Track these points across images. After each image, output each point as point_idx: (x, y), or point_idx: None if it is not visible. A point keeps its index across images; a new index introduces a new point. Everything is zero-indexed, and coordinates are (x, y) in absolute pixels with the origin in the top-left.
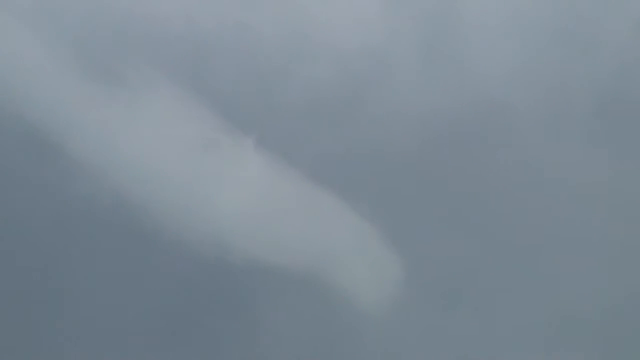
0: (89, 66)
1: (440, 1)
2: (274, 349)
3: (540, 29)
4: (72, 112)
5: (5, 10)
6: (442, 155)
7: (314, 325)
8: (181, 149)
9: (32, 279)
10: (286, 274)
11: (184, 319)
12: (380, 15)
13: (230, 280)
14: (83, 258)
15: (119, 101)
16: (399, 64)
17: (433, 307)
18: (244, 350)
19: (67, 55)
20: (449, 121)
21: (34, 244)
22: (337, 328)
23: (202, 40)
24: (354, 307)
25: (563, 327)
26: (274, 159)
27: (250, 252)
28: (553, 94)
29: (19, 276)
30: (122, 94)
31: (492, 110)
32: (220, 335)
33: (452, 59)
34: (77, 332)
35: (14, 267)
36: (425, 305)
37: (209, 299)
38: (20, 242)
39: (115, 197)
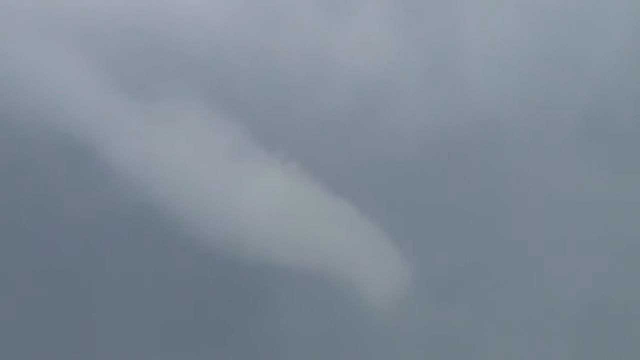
0: (127, 84)
1: (440, 31)
2: (290, 341)
3: (531, 55)
4: (110, 125)
5: (51, 33)
6: (443, 165)
7: (327, 319)
8: (209, 159)
9: (69, 273)
10: (302, 273)
11: (207, 313)
12: (389, 43)
13: (249, 278)
14: (118, 257)
15: (154, 115)
16: (404, 85)
17: (436, 302)
18: (263, 342)
19: (108, 75)
20: (448, 136)
21: (75, 242)
22: (349, 322)
23: (229, 63)
24: (364, 303)
25: (558, 320)
26: (293, 169)
27: (269, 253)
28: (542, 112)
29: (58, 270)
30: (156, 109)
31: (487, 127)
32: (240, 327)
33: (451, 82)
34: (106, 323)
35: (57, 260)
36: (429, 300)
37: (230, 295)
38: (63, 238)
39: (146, 201)
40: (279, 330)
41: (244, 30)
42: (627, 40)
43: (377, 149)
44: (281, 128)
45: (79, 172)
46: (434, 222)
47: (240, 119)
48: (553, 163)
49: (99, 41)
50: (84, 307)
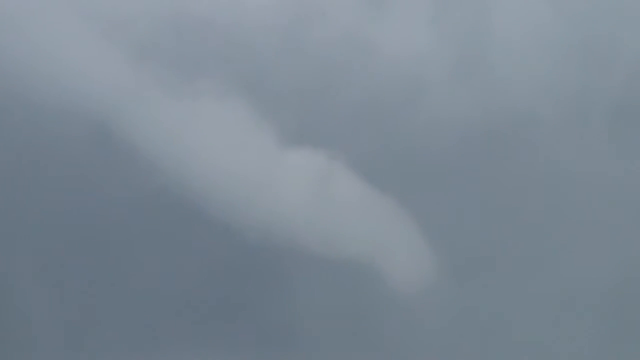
0: (157, 69)
1: (472, 23)
2: (324, 325)
3: (562, 45)
4: (137, 109)
5: (81, 19)
6: (474, 156)
7: (359, 304)
8: (247, 150)
9: (110, 260)
10: (330, 259)
11: (236, 296)
12: (422, 36)
13: (282, 265)
14: (146, 237)
15: (190, 108)
16: (438, 77)
17: (461, 287)
18: (292, 325)
19: (138, 60)
20: (480, 127)
21: (115, 229)
22: (379, 306)
23: (263, 50)
24: (390, 288)
25: (582, 303)
26: (324, 157)
27: (299, 239)
28: (573, 102)
29: (99, 257)
30: (192, 102)
31: (519, 117)
32: (276, 312)
33: (484, 74)
34: (146, 306)
35: (84, 239)
36: (454, 285)
37: (269, 282)
38: (106, 225)
39: (182, 190)
40: (310, 314)
41: (281, 17)
42: None
43: (409, 140)
44: (313, 116)
45: (106, 155)
46: (461, 210)
47: (273, 106)
48: (584, 152)
49: (127, 24)
50: (113, 280)
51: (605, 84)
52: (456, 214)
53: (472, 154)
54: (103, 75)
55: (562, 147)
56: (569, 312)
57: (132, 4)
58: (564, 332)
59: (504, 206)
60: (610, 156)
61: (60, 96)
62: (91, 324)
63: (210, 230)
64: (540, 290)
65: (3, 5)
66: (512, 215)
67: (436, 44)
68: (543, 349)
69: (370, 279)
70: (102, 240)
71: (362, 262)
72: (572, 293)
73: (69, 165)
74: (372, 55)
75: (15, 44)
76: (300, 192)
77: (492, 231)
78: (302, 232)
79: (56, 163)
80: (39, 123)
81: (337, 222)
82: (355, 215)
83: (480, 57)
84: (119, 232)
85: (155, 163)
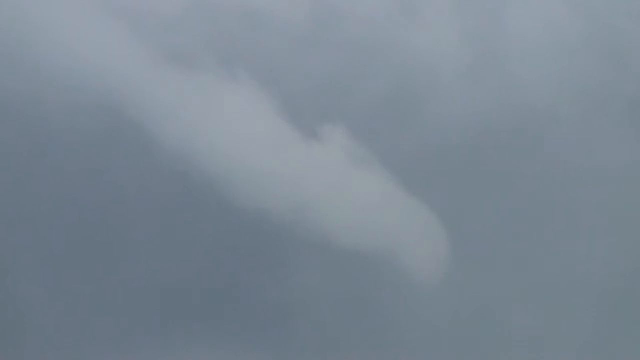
0: (172, 55)
1: (487, 20)
2: (343, 315)
3: (577, 42)
4: (152, 96)
5: (106, 11)
6: (489, 151)
7: (376, 295)
8: (269, 141)
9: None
10: (357, 253)
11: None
12: (438, 31)
13: (299, 255)
14: (159, 222)
15: (203, 93)
16: (454, 73)
17: (475, 278)
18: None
19: (152, 45)
20: (497, 122)
21: (135, 215)
22: (397, 297)
23: (279, 41)
24: (407, 277)
25: (593, 294)
26: (348, 152)
27: (320, 229)
28: (588, 98)
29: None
30: (205, 87)
31: (533, 113)
32: (290, 301)
33: (499, 70)
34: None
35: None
36: (468, 276)
37: (284, 271)
38: (126, 210)
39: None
40: (324, 304)
41: (304, 9)
42: None
43: (428, 134)
44: (334, 107)
45: (121, 141)
46: (476, 203)
47: (295, 97)
48: (600, 148)
49: (142, 12)
50: (120, 262)
51: (622, 80)
52: (473, 208)
53: (489, 149)
54: (117, 61)
55: (578, 143)
56: (583, 302)
57: None
58: (579, 321)
59: (521, 201)
60: (627, 152)
61: (71, 83)
62: (91, 314)
63: (230, 220)
64: (556, 282)
65: None
66: (528, 210)
67: (454, 40)
68: (554, 339)
69: (388, 271)
70: (112, 227)
71: (380, 254)
72: (585, 284)
73: (78, 154)
74: (393, 51)
75: (21, 29)
76: (320, 184)
77: (507, 225)
78: (321, 224)
79: (65, 150)
80: (47, 111)
81: (357, 214)
82: (374, 208)
83: (496, 53)
84: (127, 221)
85: (174, 152)
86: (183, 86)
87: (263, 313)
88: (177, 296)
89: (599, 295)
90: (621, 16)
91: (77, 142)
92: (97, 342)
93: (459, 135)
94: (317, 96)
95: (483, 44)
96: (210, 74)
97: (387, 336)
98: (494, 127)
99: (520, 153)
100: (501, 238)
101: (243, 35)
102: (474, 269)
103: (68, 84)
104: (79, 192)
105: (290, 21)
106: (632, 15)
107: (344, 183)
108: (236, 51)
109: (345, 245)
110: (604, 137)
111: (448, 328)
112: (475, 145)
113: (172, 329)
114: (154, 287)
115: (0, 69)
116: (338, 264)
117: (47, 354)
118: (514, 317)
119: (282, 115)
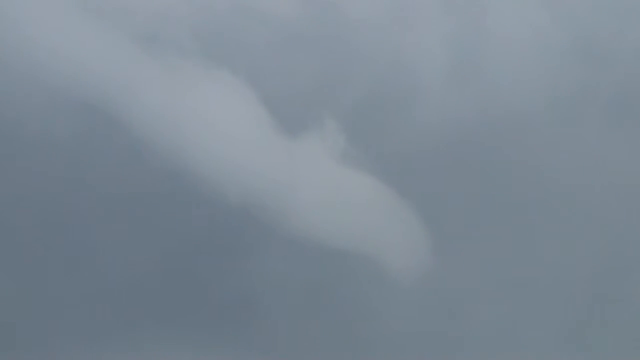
0: (158, 53)
1: (467, 25)
2: (322, 312)
3: (557, 47)
4: (138, 95)
5: (88, 7)
6: (471, 151)
7: (356, 292)
8: (253, 140)
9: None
10: (339, 250)
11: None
12: (417, 39)
13: (277, 252)
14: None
15: (185, 90)
16: (433, 79)
17: (455, 276)
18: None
19: (139, 44)
20: (477, 125)
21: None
22: (376, 294)
23: (265, 36)
24: (391, 277)
25: (573, 288)
26: (331, 151)
27: (308, 230)
28: (569, 104)
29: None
30: (190, 85)
31: (513, 118)
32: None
33: (478, 76)
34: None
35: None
36: (448, 273)
37: (263, 269)
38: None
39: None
40: (306, 300)
41: (292, 8)
42: None
43: (409, 136)
44: (316, 108)
45: (108, 140)
46: (457, 203)
47: (279, 96)
48: (579, 152)
49: (127, 8)
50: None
51: (602, 84)
52: (454, 207)
53: (472, 151)
54: (104, 61)
55: (559, 146)
56: (564, 297)
57: None
58: (560, 315)
59: (501, 201)
60: (607, 155)
61: (54, 83)
62: (65, 313)
63: (214, 218)
64: (535, 279)
65: None
66: (508, 211)
67: (438, 43)
68: (533, 336)
69: (369, 268)
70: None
71: (361, 251)
72: (565, 279)
73: (59, 154)
74: (378, 52)
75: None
76: (304, 182)
77: (487, 225)
78: (304, 221)
79: (55, 147)
80: (34, 106)
81: (339, 212)
82: (356, 206)
83: (475, 58)
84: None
85: (159, 149)
86: (168, 83)
87: (241, 309)
88: (158, 294)
89: (579, 292)
90: (602, 22)
91: (56, 142)
92: (69, 338)
93: (442, 136)
94: (303, 95)
95: (466, 47)
96: (197, 72)
97: (365, 333)
98: (477, 129)
99: (502, 155)
100: (481, 237)
101: (231, 33)
102: (453, 267)
103: (48, 82)
104: (59, 191)
105: (280, 20)
106: (613, 21)
107: (327, 181)
108: (224, 49)
109: (327, 242)
110: (584, 141)
111: (427, 325)
112: (457, 147)
113: (148, 328)
114: (133, 284)
115: None
116: (319, 261)
117: (15, 351)
118: (492, 315)
119: (268, 113)
